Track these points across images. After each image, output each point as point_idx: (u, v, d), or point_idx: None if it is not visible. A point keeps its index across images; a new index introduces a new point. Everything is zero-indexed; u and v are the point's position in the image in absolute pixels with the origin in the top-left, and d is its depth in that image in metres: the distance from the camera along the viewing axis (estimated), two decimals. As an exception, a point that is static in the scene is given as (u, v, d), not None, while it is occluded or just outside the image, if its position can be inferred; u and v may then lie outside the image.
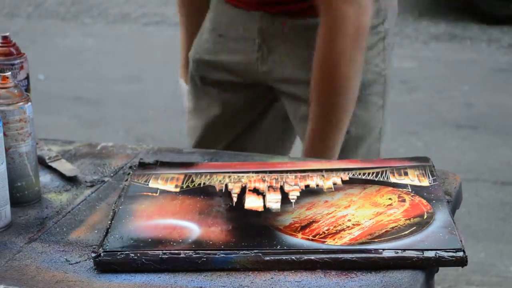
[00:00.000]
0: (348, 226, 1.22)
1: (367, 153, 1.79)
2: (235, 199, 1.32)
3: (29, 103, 1.33)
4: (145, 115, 4.30)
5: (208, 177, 1.40)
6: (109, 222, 1.25)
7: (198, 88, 1.88)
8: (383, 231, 1.20)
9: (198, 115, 1.89)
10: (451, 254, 1.14)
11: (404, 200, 1.30)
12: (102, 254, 1.16)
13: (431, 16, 5.89)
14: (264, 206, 1.30)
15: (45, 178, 1.45)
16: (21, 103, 1.31)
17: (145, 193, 1.35)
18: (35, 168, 1.36)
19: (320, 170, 1.41)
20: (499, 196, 3.37)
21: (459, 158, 3.71)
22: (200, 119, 1.88)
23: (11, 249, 1.22)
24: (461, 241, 1.17)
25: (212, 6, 1.86)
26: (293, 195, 1.33)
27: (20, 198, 1.34)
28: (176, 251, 1.16)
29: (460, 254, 1.14)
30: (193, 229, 1.23)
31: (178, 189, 1.36)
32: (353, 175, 1.40)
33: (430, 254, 1.14)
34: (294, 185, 1.37)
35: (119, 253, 1.16)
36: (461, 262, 1.14)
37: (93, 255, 1.16)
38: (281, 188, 1.36)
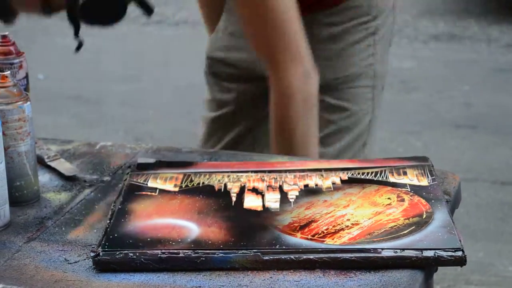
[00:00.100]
0: (347, 226, 1.22)
1: (353, 144, 1.85)
2: (234, 199, 1.33)
3: (28, 103, 1.33)
4: (145, 115, 4.30)
5: (207, 176, 1.40)
6: (108, 221, 1.25)
7: (211, 84, 1.96)
8: (382, 230, 1.20)
9: (211, 107, 1.97)
10: (450, 253, 1.14)
11: (403, 200, 1.30)
12: (101, 254, 1.16)
13: (430, 16, 5.89)
14: (263, 205, 1.30)
15: (44, 177, 1.45)
16: (20, 103, 1.31)
17: (144, 193, 1.35)
18: (34, 167, 1.36)
19: (319, 170, 1.42)
20: (498, 196, 3.38)
21: (458, 158, 3.71)
22: (212, 110, 1.96)
23: (10, 249, 1.22)
24: (460, 240, 1.17)
25: (226, 6, 1.91)
26: (292, 195, 1.33)
27: (19, 197, 1.34)
28: (175, 251, 1.16)
29: (459, 253, 1.14)
30: (192, 229, 1.23)
31: (177, 189, 1.36)
32: (352, 174, 1.40)
33: (429, 253, 1.14)
34: (293, 184, 1.37)
35: (118, 252, 1.16)
36: (460, 261, 1.14)
37: (92, 254, 1.16)
38: (280, 188, 1.36)
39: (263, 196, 1.33)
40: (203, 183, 1.38)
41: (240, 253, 1.15)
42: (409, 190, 1.33)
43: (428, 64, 4.99)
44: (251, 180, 1.38)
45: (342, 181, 1.37)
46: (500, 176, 3.54)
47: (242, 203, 1.31)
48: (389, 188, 1.34)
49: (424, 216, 1.24)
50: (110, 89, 4.62)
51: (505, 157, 3.73)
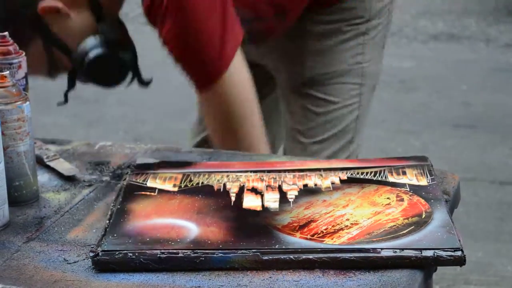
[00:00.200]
0: (347, 226, 1.22)
1: (338, 138, 1.90)
2: (233, 199, 1.32)
3: (27, 102, 1.33)
4: (144, 115, 4.30)
5: (206, 176, 1.40)
6: (107, 221, 1.25)
7: None
8: (382, 230, 1.20)
9: None
10: (449, 253, 1.14)
11: (402, 200, 1.30)
12: (100, 254, 1.16)
13: (429, 15, 5.89)
14: (263, 205, 1.30)
15: (43, 177, 1.45)
16: (19, 102, 1.31)
17: (143, 193, 1.35)
18: (33, 167, 1.36)
19: (319, 170, 1.42)
20: (497, 196, 3.38)
21: (457, 158, 3.71)
22: None
23: (9, 249, 1.22)
24: (459, 240, 1.17)
25: None
26: (291, 195, 1.33)
27: (18, 197, 1.34)
28: (175, 251, 1.16)
29: (459, 253, 1.14)
30: (192, 229, 1.23)
31: (176, 189, 1.36)
32: (351, 174, 1.40)
33: (429, 253, 1.14)
34: (292, 184, 1.37)
35: (117, 252, 1.16)
36: (459, 261, 1.14)
37: (91, 254, 1.16)
38: (279, 188, 1.36)
39: (262, 196, 1.33)
40: (202, 183, 1.38)
41: (239, 253, 1.15)
42: (408, 190, 1.33)
43: (427, 64, 5.00)
44: (250, 180, 1.38)
45: (341, 181, 1.37)
46: (499, 176, 3.54)
47: (241, 203, 1.31)
48: (388, 188, 1.34)
49: (423, 216, 1.24)
50: (109, 88, 4.62)
51: (504, 157, 3.73)
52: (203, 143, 2.01)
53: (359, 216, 1.24)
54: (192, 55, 1.69)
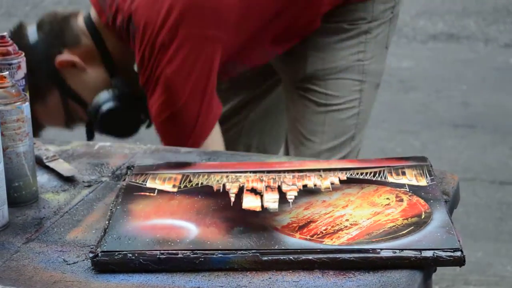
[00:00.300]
0: (346, 226, 1.22)
1: (339, 133, 1.92)
2: (232, 199, 1.32)
3: (27, 103, 1.33)
4: (143, 114, 4.29)
5: (205, 177, 1.40)
6: (107, 222, 1.25)
7: None
8: (381, 231, 1.20)
9: None
10: (449, 253, 1.14)
11: (402, 200, 1.30)
12: (99, 254, 1.16)
13: (429, 15, 5.90)
14: (262, 206, 1.30)
15: (42, 178, 1.45)
16: (18, 103, 1.31)
17: (142, 193, 1.35)
18: (32, 168, 1.35)
19: (318, 170, 1.42)
20: (496, 196, 3.38)
21: (457, 158, 3.71)
22: None
23: (9, 249, 1.22)
24: (459, 240, 1.17)
25: None
26: (291, 195, 1.33)
27: (18, 198, 1.34)
28: (174, 251, 1.16)
29: (458, 253, 1.14)
30: (191, 229, 1.23)
31: (175, 189, 1.36)
32: (351, 174, 1.40)
33: (428, 253, 1.14)
34: (292, 185, 1.37)
35: (116, 253, 1.16)
36: (459, 261, 1.14)
37: (91, 255, 1.16)
38: (279, 188, 1.36)
39: (261, 196, 1.33)
40: (201, 183, 1.38)
41: (239, 253, 1.15)
42: (408, 190, 1.33)
43: (427, 64, 4.99)
44: (250, 181, 1.38)
45: (341, 181, 1.37)
46: (498, 176, 3.54)
47: (240, 203, 1.31)
48: (388, 188, 1.34)
49: (423, 216, 1.24)
50: (109, 89, 4.62)
51: (504, 157, 3.73)
52: None
53: (358, 217, 1.24)
54: (170, 127, 1.80)
